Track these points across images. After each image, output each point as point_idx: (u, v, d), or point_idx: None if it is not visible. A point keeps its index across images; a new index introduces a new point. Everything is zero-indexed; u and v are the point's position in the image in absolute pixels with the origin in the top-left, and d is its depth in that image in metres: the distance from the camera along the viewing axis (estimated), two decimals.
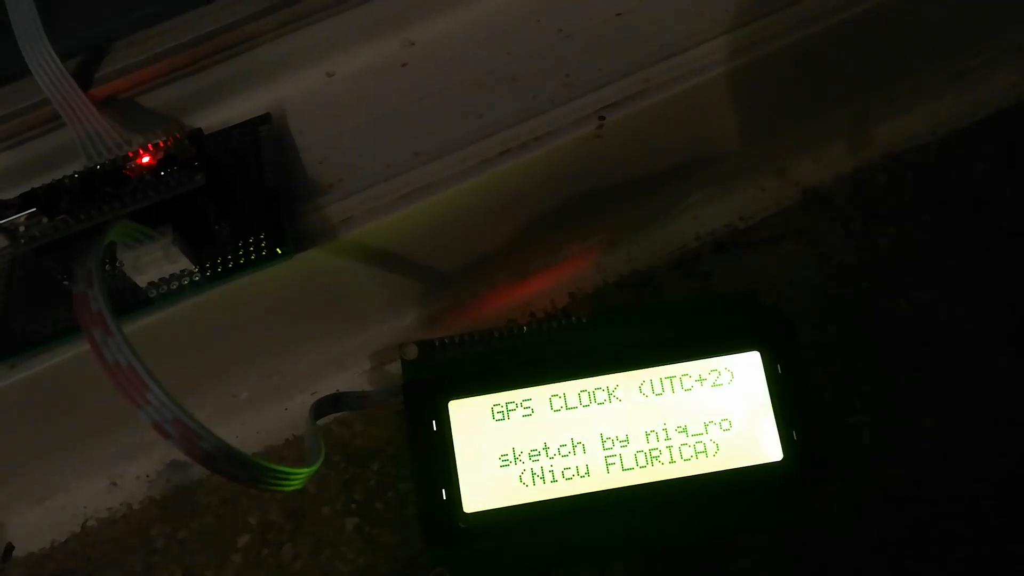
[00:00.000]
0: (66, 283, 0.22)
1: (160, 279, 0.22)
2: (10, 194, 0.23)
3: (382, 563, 0.25)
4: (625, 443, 0.24)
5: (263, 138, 0.25)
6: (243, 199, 0.23)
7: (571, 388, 0.24)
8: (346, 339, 0.27)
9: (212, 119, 0.25)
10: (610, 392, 0.24)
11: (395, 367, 0.27)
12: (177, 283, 0.22)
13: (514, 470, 0.23)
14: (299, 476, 0.18)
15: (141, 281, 0.22)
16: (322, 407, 0.24)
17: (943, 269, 0.28)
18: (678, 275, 0.29)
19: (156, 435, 0.26)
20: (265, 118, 0.25)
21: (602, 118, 0.23)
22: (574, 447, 0.24)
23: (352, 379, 0.28)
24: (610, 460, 0.24)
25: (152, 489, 0.27)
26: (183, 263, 0.22)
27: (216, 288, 0.22)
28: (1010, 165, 0.30)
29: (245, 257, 0.22)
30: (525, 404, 0.24)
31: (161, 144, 0.23)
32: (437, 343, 0.25)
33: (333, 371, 0.27)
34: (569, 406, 0.24)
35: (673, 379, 0.24)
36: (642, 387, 0.24)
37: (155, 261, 0.21)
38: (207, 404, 0.26)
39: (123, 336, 0.15)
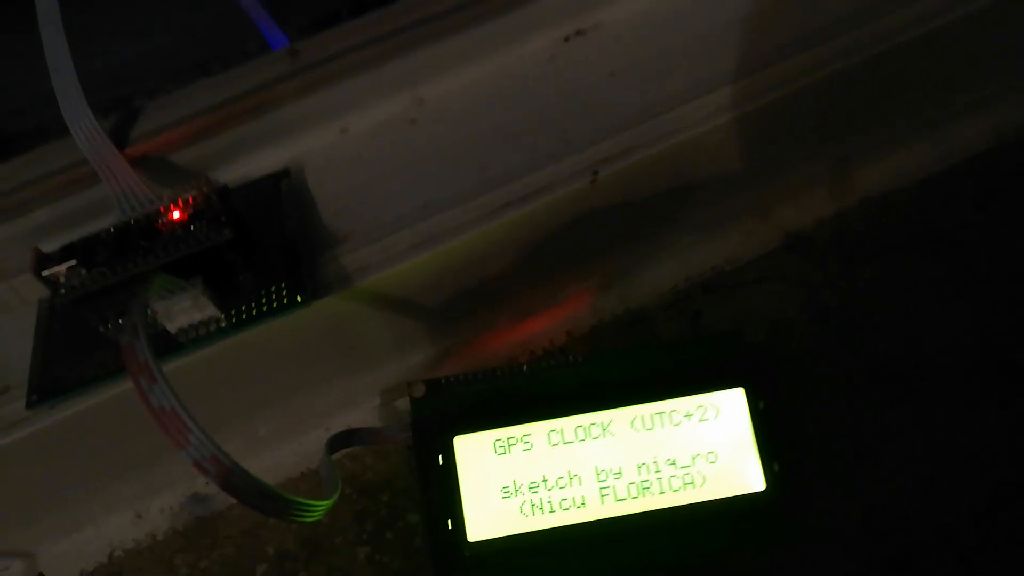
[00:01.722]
0: (101, 330, 0.24)
1: (190, 326, 0.24)
2: (49, 246, 0.24)
3: None
4: (618, 475, 0.25)
5: (283, 192, 0.26)
6: (265, 250, 0.25)
7: (568, 424, 0.26)
8: (358, 378, 0.29)
9: (236, 173, 0.27)
10: (604, 427, 0.26)
11: (403, 404, 0.29)
12: (205, 330, 0.24)
13: (515, 501, 0.25)
14: (319, 508, 0.20)
15: (172, 328, 0.24)
16: (336, 442, 0.25)
17: (918, 308, 0.30)
18: (669, 315, 0.31)
19: (179, 471, 0.28)
20: (285, 173, 0.27)
21: (595, 173, 0.25)
22: (571, 479, 0.25)
23: (363, 415, 0.29)
24: (604, 491, 0.25)
25: (175, 521, 0.29)
26: (211, 311, 0.23)
27: (242, 334, 0.24)
28: (981, 209, 0.32)
29: (268, 305, 0.24)
30: (525, 439, 0.26)
31: (191, 200, 0.24)
32: (443, 381, 0.27)
33: (346, 408, 0.29)
34: (566, 440, 0.26)
35: (663, 415, 0.26)
36: (634, 422, 0.26)
37: (185, 310, 0.23)
38: (230, 440, 0.28)
39: (167, 383, 0.17)
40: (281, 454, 0.29)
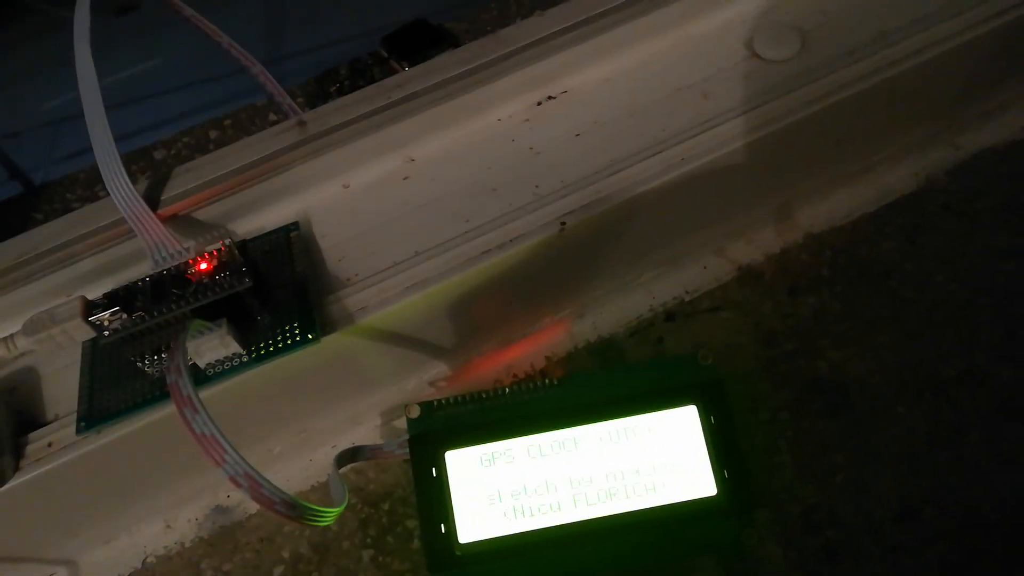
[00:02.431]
0: (139, 366, 0.28)
1: (216, 361, 0.28)
2: (89, 291, 0.28)
3: None
4: (589, 483, 0.29)
5: (293, 242, 0.30)
6: (279, 294, 0.29)
7: (545, 439, 0.29)
8: (361, 401, 0.33)
9: (251, 225, 0.31)
10: (576, 441, 0.29)
11: (401, 423, 0.33)
12: (230, 364, 0.28)
13: (500, 507, 0.29)
14: (330, 515, 0.24)
15: (201, 363, 0.27)
16: (343, 457, 0.29)
17: (855, 331, 0.33)
18: (636, 340, 0.34)
19: (203, 485, 0.32)
20: (294, 226, 0.31)
21: (563, 223, 0.29)
22: (548, 487, 0.29)
23: (367, 433, 0.33)
24: (577, 497, 0.29)
25: (201, 530, 0.32)
26: (235, 348, 0.27)
27: (262, 367, 0.28)
28: (912, 242, 0.36)
29: (283, 342, 0.28)
30: (508, 453, 0.29)
31: (215, 253, 0.28)
32: (436, 403, 0.30)
33: (351, 427, 0.33)
34: (543, 454, 0.29)
35: (627, 429, 0.29)
36: (602, 437, 0.30)
37: (213, 348, 0.27)
38: (249, 457, 0.31)
39: (207, 413, 0.21)
40: (293, 469, 0.32)
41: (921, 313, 0.34)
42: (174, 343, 0.23)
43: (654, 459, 0.29)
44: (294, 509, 0.22)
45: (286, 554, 0.31)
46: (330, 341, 0.28)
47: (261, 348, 0.28)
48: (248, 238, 0.31)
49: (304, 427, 0.32)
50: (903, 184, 0.37)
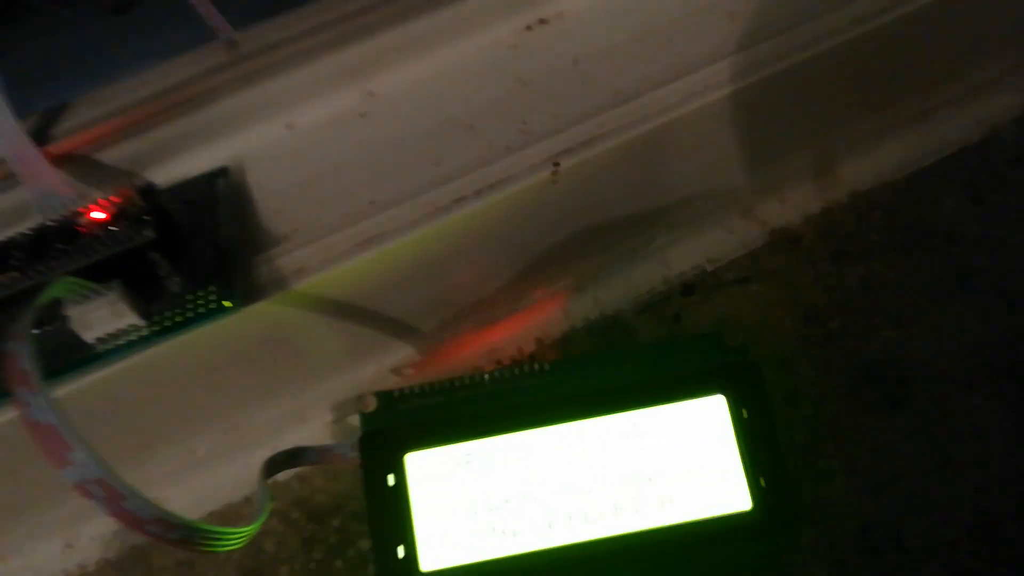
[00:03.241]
0: None
1: (108, 334, 0.22)
2: None
3: None
4: (588, 494, 0.23)
5: (220, 191, 0.25)
6: (196, 252, 0.23)
7: (533, 438, 0.24)
8: (307, 392, 0.27)
9: (173, 172, 0.25)
10: (573, 441, 0.24)
11: (357, 419, 0.27)
12: (125, 338, 0.22)
13: (474, 525, 0.23)
14: (238, 536, 0.17)
15: (88, 336, 0.21)
16: (277, 462, 0.23)
17: (913, 307, 0.28)
18: (647, 319, 0.29)
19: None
20: (222, 171, 0.25)
21: (556, 164, 0.23)
22: (535, 500, 0.23)
23: (314, 432, 0.27)
24: (573, 513, 0.23)
25: (107, 550, 0.26)
26: (130, 317, 0.21)
27: (166, 342, 0.22)
28: (977, 201, 0.30)
29: (193, 311, 0.22)
30: (486, 455, 0.23)
31: (114, 200, 0.23)
32: (396, 393, 0.24)
33: (294, 425, 0.27)
34: (531, 456, 0.23)
35: (637, 426, 0.24)
36: (605, 435, 0.24)
37: (103, 317, 0.21)
38: (164, 462, 0.26)
39: (47, 395, 0.15)
40: (222, 476, 0.26)
41: (992, 284, 0.28)
42: (27, 304, 0.17)
43: (672, 464, 0.23)
44: (177, 531, 0.16)
45: None
46: (258, 312, 0.22)
47: (165, 318, 0.22)
48: (163, 186, 0.25)
49: (234, 424, 0.26)
50: (964, 134, 0.32)
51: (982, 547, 0.24)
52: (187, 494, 0.26)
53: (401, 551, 0.22)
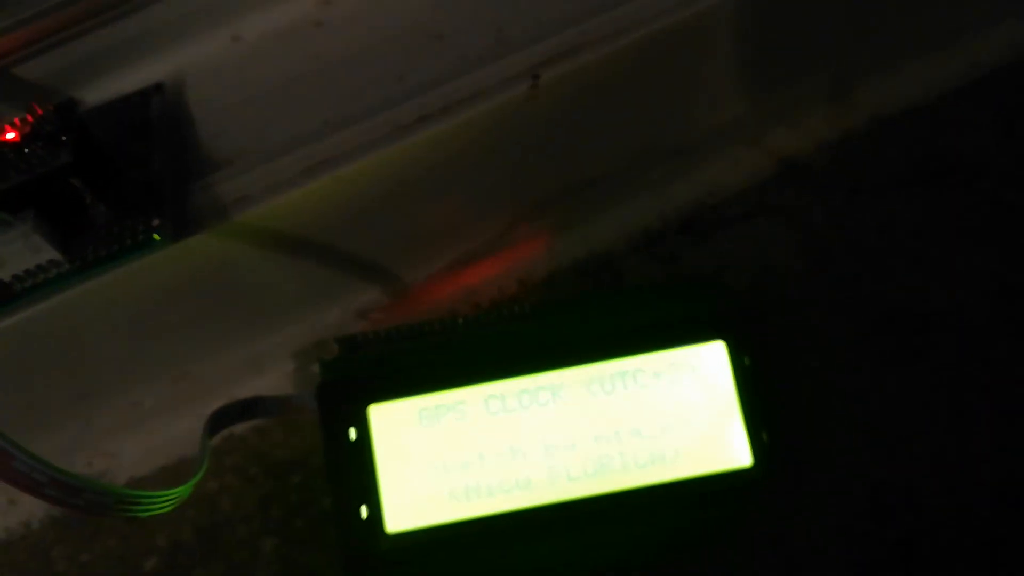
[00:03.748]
0: None
1: (25, 271, 0.19)
2: None
3: None
4: (572, 449, 0.21)
5: (155, 110, 0.22)
6: (125, 179, 0.20)
7: (510, 388, 0.21)
8: (264, 338, 0.24)
9: (103, 90, 0.23)
10: (555, 391, 0.21)
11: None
12: (44, 275, 0.19)
13: (444, 483, 0.21)
14: (163, 500, 0.15)
15: (2, 274, 0.19)
16: (227, 415, 0.21)
17: (936, 248, 0.26)
18: (640, 259, 0.26)
19: (57, 447, 0.24)
20: (158, 88, 0.22)
21: (536, 77, 0.20)
22: (513, 455, 0.21)
23: (273, 383, 0.25)
24: (555, 469, 0.21)
25: (53, 507, 0.24)
26: (48, 252, 0.19)
27: (93, 280, 0.19)
28: (1009, 131, 0.27)
29: (120, 244, 0.19)
30: (458, 407, 0.21)
31: (29, 118, 0.20)
32: (360, 338, 0.22)
33: (251, 374, 0.25)
34: (508, 408, 0.21)
35: (626, 375, 0.21)
36: (591, 385, 0.21)
37: (17, 251, 0.19)
38: (108, 415, 0.24)
39: None
40: (174, 429, 0.24)
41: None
42: None
43: (665, 416, 0.21)
44: (78, 495, 0.13)
45: (162, 542, 0.23)
46: (198, 246, 0.20)
47: (88, 253, 0.19)
48: (90, 104, 0.22)
49: (184, 372, 0.24)
50: (997, 56, 0.29)
51: (1002, 509, 0.22)
52: (135, 449, 0.24)
53: (364, 511, 0.20)
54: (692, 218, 0.27)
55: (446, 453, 0.21)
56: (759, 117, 0.27)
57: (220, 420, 0.21)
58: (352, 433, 0.21)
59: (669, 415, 0.21)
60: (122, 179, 0.20)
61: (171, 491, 0.16)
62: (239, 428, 0.24)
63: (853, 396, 0.23)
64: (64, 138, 0.19)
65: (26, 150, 0.19)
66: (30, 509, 0.24)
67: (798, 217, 0.26)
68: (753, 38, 0.24)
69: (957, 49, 0.29)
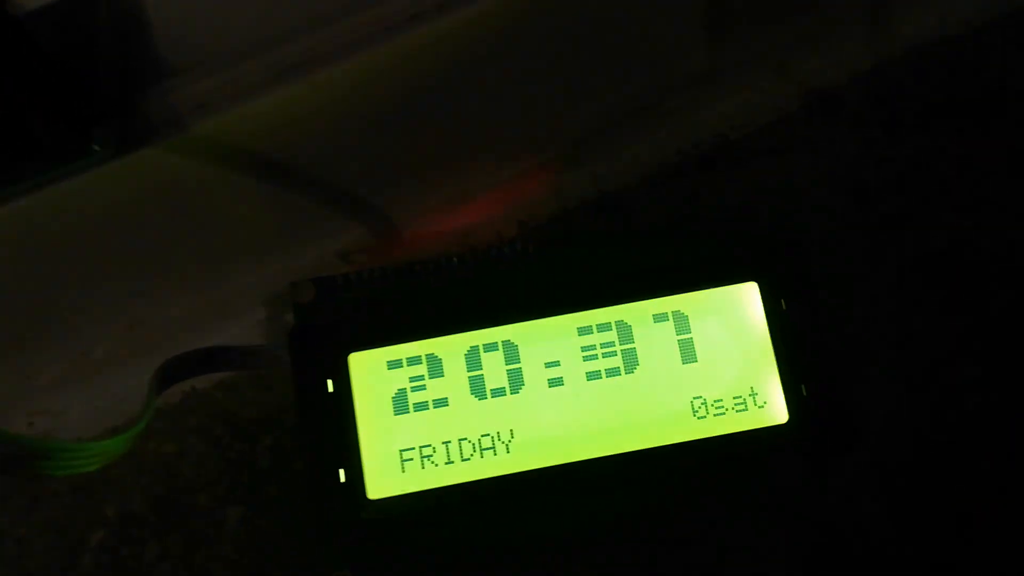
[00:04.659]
0: None
1: None
2: None
3: (271, 565, 0.19)
4: (581, 404, 0.19)
5: (102, 10, 0.19)
6: (64, 86, 0.17)
7: (509, 335, 0.19)
8: (231, 280, 0.22)
9: None
10: (561, 339, 0.19)
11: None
12: None
13: (434, 443, 0.18)
14: (83, 456, 0.12)
15: None
16: (182, 364, 0.18)
17: (983, 186, 0.23)
18: (657, 196, 0.24)
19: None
20: None
21: None
22: (515, 412, 0.19)
23: (242, 331, 0.22)
24: (562, 427, 0.19)
25: None
26: None
27: (25, 200, 0.16)
28: None
29: (54, 158, 0.16)
30: (448, 356, 0.19)
31: None
32: (340, 280, 0.19)
33: (217, 321, 0.22)
34: (507, 359, 0.19)
35: (645, 319, 0.19)
36: (603, 331, 0.19)
37: None
38: (52, 364, 0.21)
39: None
40: (126, 384, 0.21)
41: None
42: None
43: (691, 367, 0.19)
44: None
45: (111, 512, 0.21)
46: (150, 163, 0.17)
47: (17, 167, 0.16)
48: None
49: (139, 318, 0.21)
50: None
51: None
52: (83, 404, 0.21)
53: (343, 474, 0.18)
54: (714, 153, 0.24)
55: (436, 409, 0.18)
56: (787, 43, 0.25)
57: (174, 370, 0.18)
58: (330, 385, 0.18)
59: (696, 365, 0.19)
60: (61, 85, 0.17)
61: (94, 444, 0.13)
62: (202, 383, 0.21)
63: (898, 348, 0.21)
64: None
65: None
66: None
67: (830, 153, 0.24)
68: None
69: None
